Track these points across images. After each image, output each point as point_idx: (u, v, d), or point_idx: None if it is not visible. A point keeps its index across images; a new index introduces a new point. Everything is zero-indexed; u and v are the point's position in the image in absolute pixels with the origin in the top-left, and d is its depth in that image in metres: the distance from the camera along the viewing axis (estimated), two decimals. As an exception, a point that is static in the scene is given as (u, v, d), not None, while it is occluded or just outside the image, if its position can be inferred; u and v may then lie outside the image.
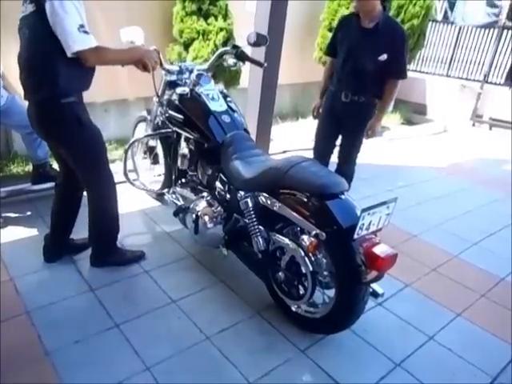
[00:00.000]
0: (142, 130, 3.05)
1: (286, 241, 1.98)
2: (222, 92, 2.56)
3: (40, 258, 2.40)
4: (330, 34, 5.56)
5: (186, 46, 4.25)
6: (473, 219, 3.57)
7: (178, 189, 2.70)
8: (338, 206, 1.77)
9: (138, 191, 3.21)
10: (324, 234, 1.75)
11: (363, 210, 1.63)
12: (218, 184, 2.39)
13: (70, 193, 2.35)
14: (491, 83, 7.06)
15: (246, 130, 2.48)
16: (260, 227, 2.09)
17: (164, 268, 2.46)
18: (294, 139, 5.00)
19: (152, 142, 3.07)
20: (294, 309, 2.10)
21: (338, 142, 3.05)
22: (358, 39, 2.66)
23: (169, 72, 2.57)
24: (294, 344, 2.01)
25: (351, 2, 5.45)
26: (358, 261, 1.72)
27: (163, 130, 2.73)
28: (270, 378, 1.82)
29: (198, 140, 2.45)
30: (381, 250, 1.68)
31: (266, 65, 2.65)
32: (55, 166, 3.23)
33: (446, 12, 15.54)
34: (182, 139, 2.63)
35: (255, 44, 2.54)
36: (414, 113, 7.09)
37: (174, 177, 2.80)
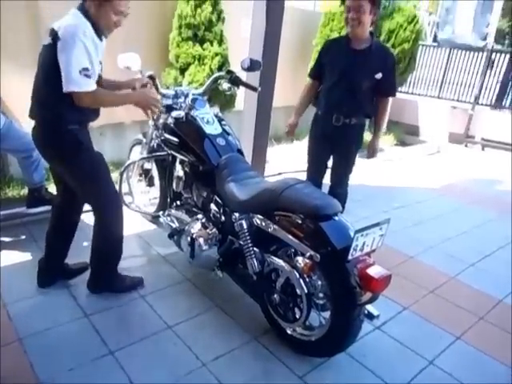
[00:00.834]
0: (138, 153, 3.06)
1: (281, 263, 1.97)
2: (216, 115, 2.58)
3: (33, 283, 2.36)
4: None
5: (182, 70, 4.31)
6: (469, 240, 3.57)
7: (173, 211, 2.69)
8: (332, 228, 1.78)
9: (134, 214, 3.20)
10: (318, 256, 1.75)
11: (356, 232, 1.64)
12: (212, 206, 2.40)
13: (67, 216, 2.34)
14: (482, 105, 7.20)
15: (240, 152, 2.49)
16: (255, 249, 2.09)
17: (159, 293, 2.43)
18: (289, 161, 5.03)
19: (147, 165, 3.08)
20: (289, 331, 2.08)
21: (330, 162, 3.08)
22: (352, 60, 2.68)
23: (164, 96, 2.60)
24: (292, 370, 1.97)
25: (343, 28, 5.59)
26: (353, 282, 1.72)
27: (158, 153, 2.74)
28: (268, 405, 1.78)
29: (193, 163, 2.46)
30: (375, 271, 1.68)
31: (259, 89, 2.69)
32: (51, 189, 3.23)
33: (435, 36, 15.94)
34: (177, 162, 2.64)
35: (249, 69, 2.58)
36: (407, 134, 7.19)
37: (169, 199, 2.80)
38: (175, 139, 2.52)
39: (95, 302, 2.28)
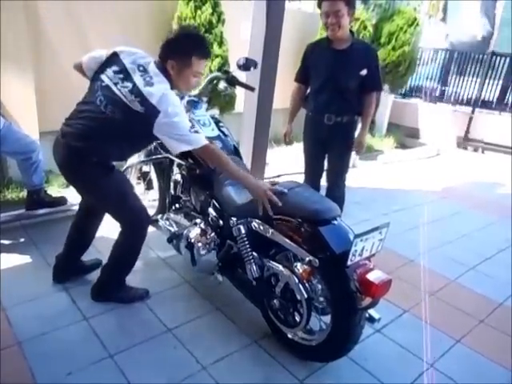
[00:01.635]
0: (136, 156, 3.04)
1: (280, 268, 1.95)
2: (213, 117, 2.56)
3: (33, 286, 2.36)
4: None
5: (182, 72, 4.32)
6: (469, 243, 3.57)
7: (172, 215, 2.68)
8: (331, 232, 1.76)
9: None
10: (317, 261, 1.74)
11: (356, 236, 1.62)
12: (210, 210, 2.38)
13: (92, 215, 2.36)
14: (482, 107, 7.20)
15: (238, 155, 2.49)
16: (254, 254, 2.06)
17: (159, 295, 2.42)
18: (288, 163, 5.02)
19: (145, 168, 3.08)
20: (290, 336, 2.06)
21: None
22: (336, 59, 2.73)
23: None
24: (292, 373, 1.96)
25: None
26: (352, 287, 1.70)
27: (156, 156, 2.73)
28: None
29: (190, 166, 2.45)
30: (375, 276, 1.67)
31: (256, 89, 2.69)
32: (50, 191, 3.23)
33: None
34: (175, 165, 2.63)
35: (245, 68, 2.56)
36: (407, 136, 7.19)
37: (167, 202, 2.78)
38: None
39: (95, 305, 2.27)
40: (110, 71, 1.97)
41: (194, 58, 1.99)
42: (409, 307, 2.54)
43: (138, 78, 1.92)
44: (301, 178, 4.23)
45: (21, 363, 1.84)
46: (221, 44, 4.37)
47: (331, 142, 2.92)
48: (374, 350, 2.15)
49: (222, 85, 2.63)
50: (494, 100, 7.19)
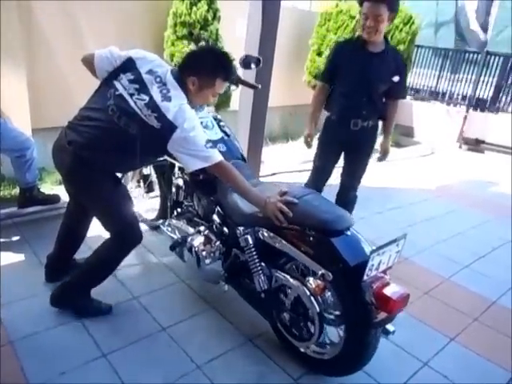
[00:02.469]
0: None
1: (291, 280, 1.87)
2: (216, 118, 2.47)
3: (25, 285, 2.33)
4: (318, 59, 5.71)
5: (177, 69, 4.29)
6: (463, 241, 3.58)
7: (174, 221, 2.59)
8: (345, 244, 1.68)
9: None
10: (330, 275, 1.66)
11: (372, 251, 1.56)
12: (215, 217, 2.28)
13: (81, 216, 2.27)
14: (477, 106, 7.22)
15: (242, 157, 2.39)
16: (262, 264, 1.97)
17: (154, 294, 2.41)
18: (284, 161, 5.02)
19: (146, 170, 3.00)
20: (302, 350, 1.98)
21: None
22: (371, 62, 2.61)
23: None
24: (287, 372, 1.96)
25: (339, 28, 5.59)
26: (368, 302, 1.63)
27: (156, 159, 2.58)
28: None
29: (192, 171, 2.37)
30: (392, 290, 1.60)
31: (259, 87, 2.62)
32: (43, 189, 3.19)
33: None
34: (176, 168, 2.55)
35: (246, 65, 2.47)
36: (402, 135, 7.20)
37: (169, 206, 2.66)
38: None
39: (88, 304, 2.25)
40: (124, 79, 1.85)
41: (219, 80, 1.92)
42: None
43: (155, 91, 1.81)
44: (296, 177, 4.24)
45: (13, 363, 1.82)
46: (216, 41, 4.35)
47: (353, 146, 2.83)
48: (368, 349, 2.15)
49: None
50: (489, 99, 7.21)
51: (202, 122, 2.29)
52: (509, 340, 2.36)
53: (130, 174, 3.08)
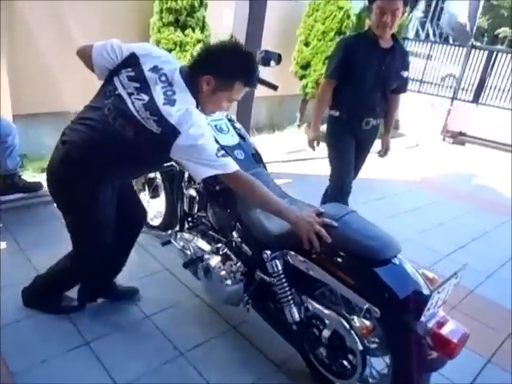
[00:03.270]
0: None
1: (328, 312, 1.64)
2: (230, 119, 2.19)
3: (6, 272, 2.29)
4: (306, 49, 5.69)
5: (163, 56, 4.24)
6: (444, 232, 3.66)
7: (187, 235, 2.30)
8: (394, 274, 1.47)
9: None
10: (378, 311, 1.43)
11: (433, 290, 1.38)
12: (235, 235, 2.02)
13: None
14: (460, 100, 7.32)
15: (263, 164, 2.14)
16: (293, 292, 1.74)
17: (137, 282, 2.39)
18: (270, 151, 5.01)
19: (151, 174, 2.72)
20: None
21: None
22: (384, 59, 2.55)
23: None
24: (269, 358, 1.98)
25: (327, 18, 5.57)
26: (423, 344, 1.43)
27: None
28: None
29: (206, 181, 1.99)
30: (451, 329, 1.41)
31: (279, 87, 2.30)
32: (25, 177, 3.14)
33: (417, 30, 16.09)
34: (186, 175, 2.31)
35: (265, 62, 2.22)
36: (387, 127, 7.25)
37: (179, 217, 2.39)
38: None
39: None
40: (124, 76, 1.63)
41: (238, 84, 1.65)
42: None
43: (157, 92, 1.58)
44: (281, 167, 4.25)
45: (-7, 351, 1.81)
46: (203, 29, 4.30)
47: (364, 145, 2.81)
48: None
49: None
50: (472, 92, 7.31)
51: (215, 126, 2.07)
52: (482, 327, 2.43)
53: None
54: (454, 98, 7.23)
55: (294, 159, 4.99)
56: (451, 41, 13.09)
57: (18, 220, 2.79)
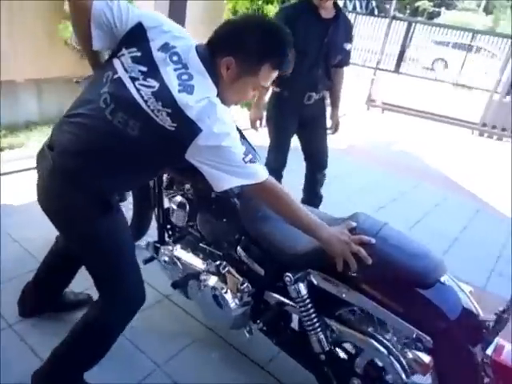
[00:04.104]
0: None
1: (374, 343, 1.38)
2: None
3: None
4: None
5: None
6: (365, 195, 3.95)
7: (175, 250, 1.92)
8: (444, 297, 1.30)
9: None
10: (430, 340, 1.26)
11: (499, 313, 1.23)
12: (240, 251, 1.71)
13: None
14: (382, 70, 7.71)
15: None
16: (320, 320, 1.51)
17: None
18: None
19: None
20: None
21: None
22: (327, 31, 2.40)
23: None
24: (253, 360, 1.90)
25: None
26: (480, 374, 1.25)
27: None
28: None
29: (196, 186, 1.76)
30: (509, 354, 1.21)
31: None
32: None
33: (344, 2, 16.46)
34: (165, 177, 1.97)
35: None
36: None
37: (159, 226, 2.04)
38: None
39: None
40: (126, 55, 1.25)
41: (267, 67, 1.32)
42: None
43: (169, 75, 1.22)
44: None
45: None
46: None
47: (308, 122, 2.68)
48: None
49: None
50: (394, 62, 7.73)
51: None
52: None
53: None
54: (376, 68, 7.59)
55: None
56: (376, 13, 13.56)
57: None
